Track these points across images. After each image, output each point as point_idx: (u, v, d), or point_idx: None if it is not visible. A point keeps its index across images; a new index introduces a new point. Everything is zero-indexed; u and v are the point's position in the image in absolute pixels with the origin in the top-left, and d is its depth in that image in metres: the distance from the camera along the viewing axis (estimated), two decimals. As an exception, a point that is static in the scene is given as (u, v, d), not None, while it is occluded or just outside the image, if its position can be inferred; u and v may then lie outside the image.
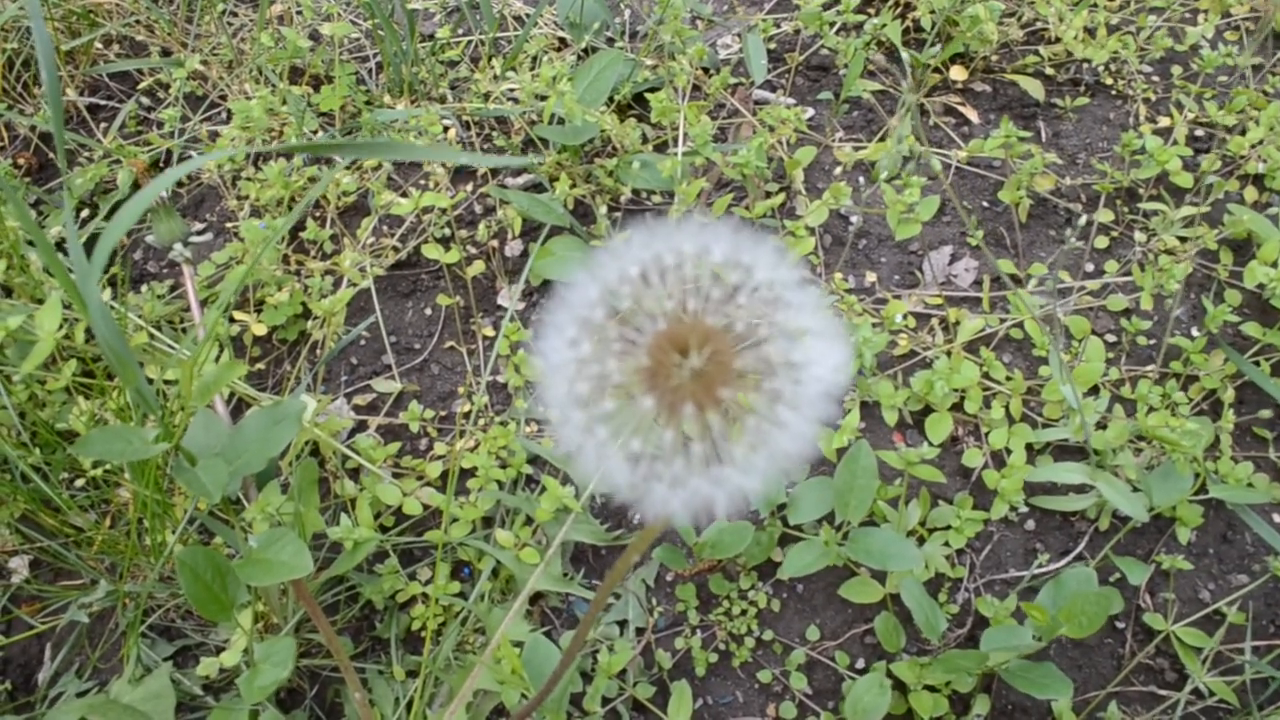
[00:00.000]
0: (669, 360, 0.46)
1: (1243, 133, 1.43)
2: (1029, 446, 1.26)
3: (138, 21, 1.57)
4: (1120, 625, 1.20)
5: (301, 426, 1.05)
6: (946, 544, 1.20)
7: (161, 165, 1.46)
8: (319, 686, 1.17)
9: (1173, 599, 1.20)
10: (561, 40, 1.58)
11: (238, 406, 1.28)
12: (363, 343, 1.37)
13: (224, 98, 1.53)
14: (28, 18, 1.50)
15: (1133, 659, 1.17)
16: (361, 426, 1.30)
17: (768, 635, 1.20)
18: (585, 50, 1.53)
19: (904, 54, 1.52)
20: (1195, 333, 1.34)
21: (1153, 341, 1.33)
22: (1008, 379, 1.29)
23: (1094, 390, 1.27)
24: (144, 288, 1.36)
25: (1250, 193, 1.41)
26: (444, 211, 1.39)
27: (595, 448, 0.46)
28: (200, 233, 1.08)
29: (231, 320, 1.30)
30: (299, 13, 1.61)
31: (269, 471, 1.08)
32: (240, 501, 1.13)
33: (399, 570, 1.18)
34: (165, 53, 1.55)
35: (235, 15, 1.62)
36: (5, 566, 1.21)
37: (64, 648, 1.16)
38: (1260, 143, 1.41)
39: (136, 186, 1.43)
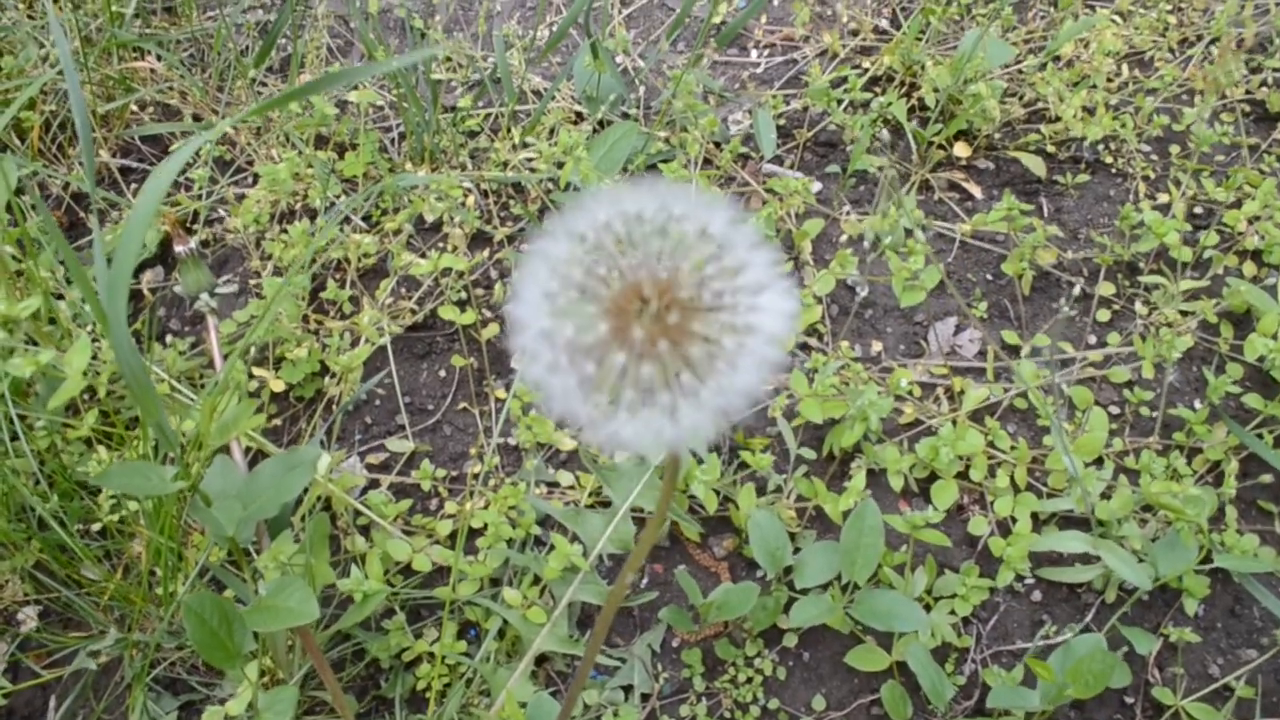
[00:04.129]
0: (630, 304, 0.49)
1: (1238, 206, 1.47)
2: (1035, 516, 1.26)
3: (171, 88, 1.63)
4: (1129, 700, 1.20)
5: (315, 474, 1.07)
6: (953, 612, 1.20)
7: (189, 224, 1.51)
8: (322, 742, 1.16)
9: (1181, 673, 1.20)
10: (578, 114, 1.64)
11: (254, 461, 1.30)
12: (378, 403, 1.39)
13: (251, 163, 1.58)
14: (65, 82, 1.56)
15: (1140, 731, 1.16)
16: (374, 484, 1.32)
17: (773, 704, 1.19)
18: (601, 123, 1.58)
19: (909, 130, 1.57)
20: (1198, 405, 1.35)
21: (1156, 413, 1.34)
22: (1012, 448, 1.31)
23: (1098, 461, 1.28)
24: (167, 338, 1.39)
25: (1249, 268, 1.44)
26: (461, 275, 1.42)
27: (559, 380, 0.50)
28: (226, 282, 1.11)
29: (250, 376, 1.32)
30: (326, 84, 1.67)
31: (282, 522, 1.10)
32: (251, 554, 1.14)
33: (405, 627, 1.19)
34: (196, 118, 1.61)
35: (265, 85, 1.68)
36: (14, 616, 1.21)
37: (69, 698, 1.16)
38: (1257, 218, 1.44)
39: (164, 244, 1.47)
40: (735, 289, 0.50)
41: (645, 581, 1.27)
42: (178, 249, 1.10)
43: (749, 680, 1.21)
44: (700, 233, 0.51)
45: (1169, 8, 1.73)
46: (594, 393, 0.49)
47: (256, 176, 1.53)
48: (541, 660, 1.21)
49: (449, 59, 1.71)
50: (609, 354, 0.49)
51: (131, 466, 0.84)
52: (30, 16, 1.69)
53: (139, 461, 0.87)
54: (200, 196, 1.52)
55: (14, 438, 1.17)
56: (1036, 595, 1.25)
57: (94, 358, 1.22)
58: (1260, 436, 1.29)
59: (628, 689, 1.20)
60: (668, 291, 0.49)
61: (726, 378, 0.49)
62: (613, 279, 0.50)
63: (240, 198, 1.52)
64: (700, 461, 1.21)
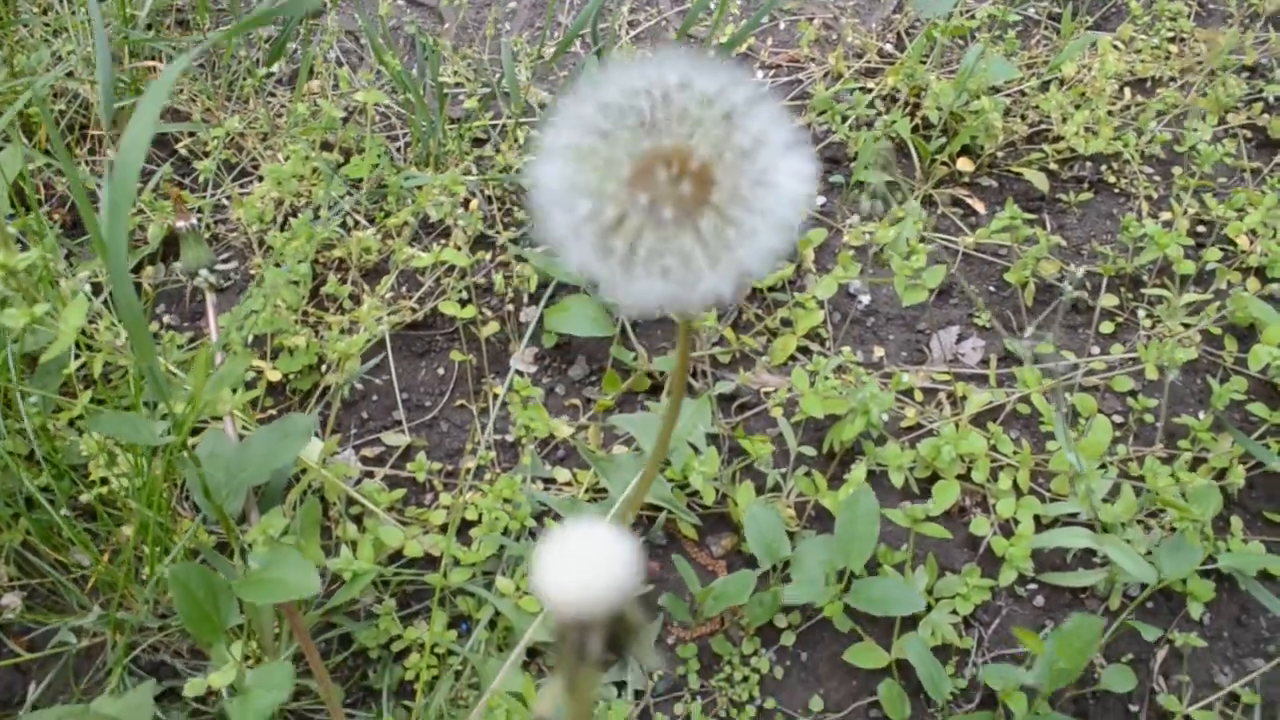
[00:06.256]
0: (654, 163, 0.50)
1: (1240, 218, 1.47)
2: (1037, 519, 1.25)
3: (180, 91, 1.64)
4: (1134, 708, 1.17)
5: (308, 445, 1.05)
6: (954, 611, 1.18)
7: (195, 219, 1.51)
8: (305, 732, 1.13)
9: (1187, 681, 1.17)
10: (584, 126, 1.65)
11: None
12: (375, 398, 1.38)
13: (256, 166, 1.59)
14: (75, 81, 1.58)
15: (1146, 737, 1.13)
16: (368, 476, 1.30)
17: (770, 704, 1.17)
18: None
19: (913, 145, 1.58)
20: (1202, 415, 1.34)
21: (1159, 422, 1.33)
22: (1015, 452, 1.29)
23: (1102, 468, 1.27)
24: (165, 332, 1.39)
25: (1253, 284, 1.44)
26: (463, 274, 1.42)
27: (578, 233, 0.50)
28: (225, 262, 1.11)
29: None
30: (335, 89, 1.68)
31: (272, 499, 1.08)
32: (240, 536, 1.12)
33: (394, 614, 1.16)
34: (204, 121, 1.62)
35: (274, 95, 1.70)
36: (-1, 600, 1.19)
37: (50, 673, 1.14)
38: (1256, 233, 1.44)
39: (166, 240, 1.47)
40: (756, 152, 0.50)
41: (645, 580, 1.25)
42: (179, 224, 1.10)
43: (745, 679, 1.18)
44: (724, 99, 0.51)
45: (1169, 36, 1.75)
46: (614, 242, 0.49)
47: (262, 179, 1.54)
48: (533, 653, 1.18)
49: (456, 71, 1.73)
50: (631, 205, 0.49)
51: (122, 416, 0.83)
52: (45, 24, 1.71)
53: (130, 414, 0.86)
54: (205, 195, 1.52)
55: (6, 416, 1.16)
56: (1039, 600, 1.23)
57: (90, 340, 1.22)
58: (1266, 445, 1.27)
59: (621, 685, 1.18)
60: (690, 153, 0.50)
61: (747, 237, 0.50)
62: (637, 141, 0.51)
63: (245, 196, 1.53)
64: (698, 452, 1.20)
